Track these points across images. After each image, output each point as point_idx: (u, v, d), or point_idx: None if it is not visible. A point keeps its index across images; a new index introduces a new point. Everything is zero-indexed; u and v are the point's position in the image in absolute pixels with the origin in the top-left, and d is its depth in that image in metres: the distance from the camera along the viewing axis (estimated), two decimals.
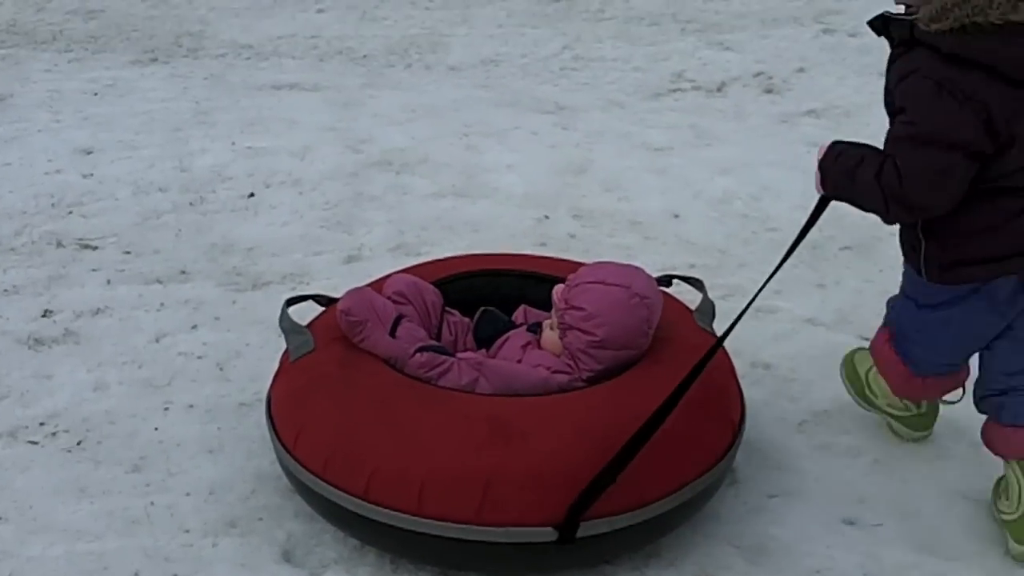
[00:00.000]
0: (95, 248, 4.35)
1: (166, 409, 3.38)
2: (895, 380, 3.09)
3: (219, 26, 7.25)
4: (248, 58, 6.67)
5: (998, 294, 2.78)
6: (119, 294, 4.01)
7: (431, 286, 3.20)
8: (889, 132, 2.81)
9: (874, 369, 3.20)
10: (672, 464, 2.73)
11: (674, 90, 6.15)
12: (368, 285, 3.20)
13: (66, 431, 3.29)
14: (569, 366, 2.96)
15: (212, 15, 7.48)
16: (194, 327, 3.82)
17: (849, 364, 3.34)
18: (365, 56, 6.72)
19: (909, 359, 3.02)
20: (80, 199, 4.73)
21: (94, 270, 4.18)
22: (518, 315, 3.31)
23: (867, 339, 3.69)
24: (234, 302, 3.98)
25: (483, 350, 3.16)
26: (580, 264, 3.22)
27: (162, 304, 3.95)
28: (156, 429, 3.29)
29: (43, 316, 3.87)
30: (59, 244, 4.36)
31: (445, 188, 4.85)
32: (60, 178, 4.91)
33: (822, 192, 2.92)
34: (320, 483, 2.75)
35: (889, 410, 3.25)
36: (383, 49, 6.81)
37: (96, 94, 5.95)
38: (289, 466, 2.84)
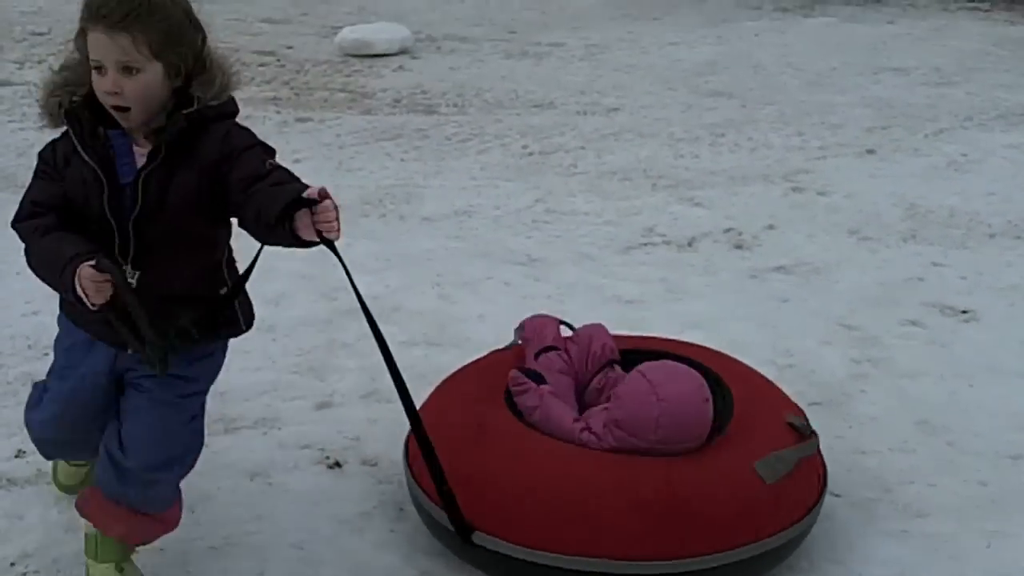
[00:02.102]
0: None
1: (136, 552, 3.36)
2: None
3: None
4: None
5: None
6: None
7: None
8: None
9: None
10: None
11: (645, 244, 6.23)
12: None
13: (36, 572, 3.27)
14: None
15: None
16: None
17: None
18: (340, 206, 6.76)
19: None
20: None
21: None
22: None
23: (838, 495, 3.72)
24: (206, 446, 3.97)
25: None
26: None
27: None
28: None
29: (16, 456, 3.87)
30: (34, 385, 4.34)
31: (417, 337, 4.89)
32: (36, 320, 4.93)
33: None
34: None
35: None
36: (358, 199, 6.88)
37: None
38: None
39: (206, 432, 4.03)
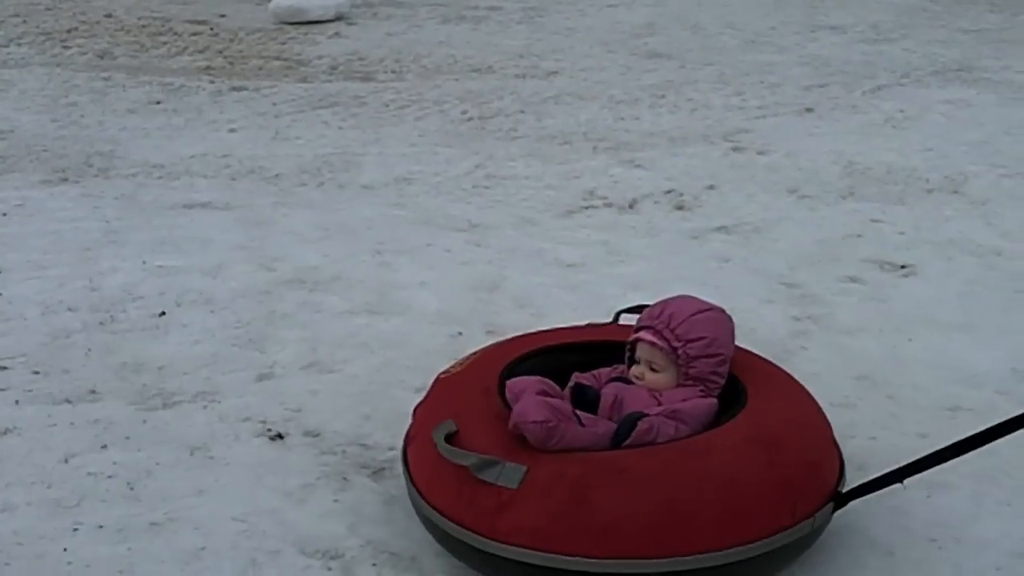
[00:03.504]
0: (3, 368, 4.28)
1: (75, 530, 3.32)
2: None
3: (130, 146, 7.24)
4: (159, 177, 6.65)
5: None
6: (27, 414, 3.95)
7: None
8: None
9: None
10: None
11: (586, 207, 6.21)
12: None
13: None
14: (702, 390, 3.28)
15: (123, 135, 7.47)
16: (104, 447, 3.77)
17: None
18: (277, 175, 6.72)
19: None
20: None
21: (2, 390, 4.11)
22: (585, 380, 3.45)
23: None
24: (145, 421, 3.93)
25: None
26: (593, 328, 3.78)
27: (71, 424, 3.90)
28: (65, 550, 3.23)
29: None
30: None
31: (358, 305, 4.85)
32: None
33: None
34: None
35: None
36: (295, 168, 6.83)
37: (5, 214, 5.91)
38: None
39: (144, 407, 4.02)
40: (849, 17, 10.88)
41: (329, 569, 3.20)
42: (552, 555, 2.88)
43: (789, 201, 6.28)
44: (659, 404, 3.23)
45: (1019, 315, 4.84)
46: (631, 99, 8.29)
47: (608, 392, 3.32)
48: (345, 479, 3.62)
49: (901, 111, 7.91)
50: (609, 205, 6.24)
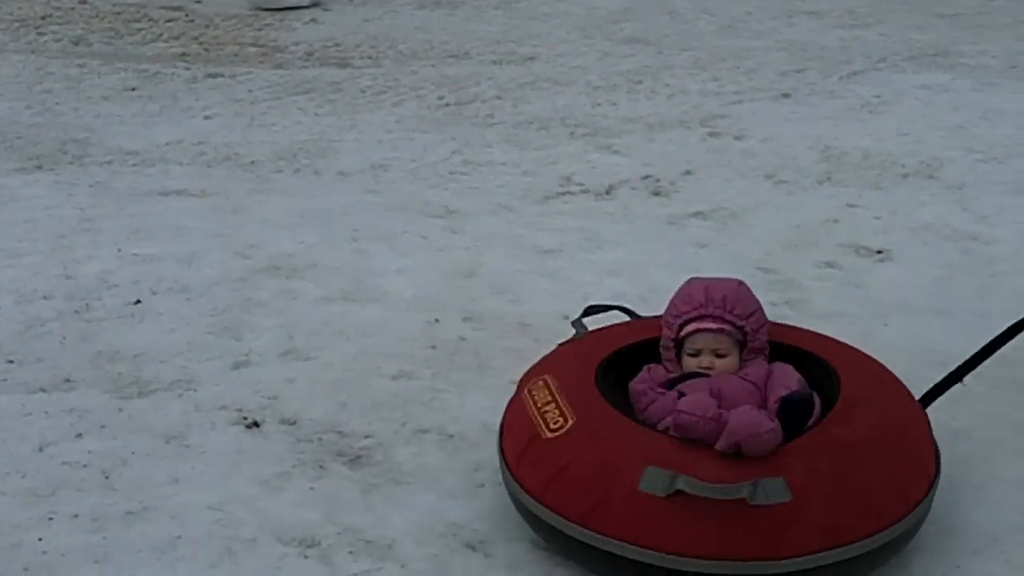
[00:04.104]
0: None
1: (50, 519, 3.31)
2: None
3: (105, 133, 7.20)
4: (134, 165, 6.62)
5: None
6: (2, 403, 3.93)
7: None
8: None
9: None
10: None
11: (563, 193, 6.20)
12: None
13: None
14: (764, 359, 3.42)
15: (98, 122, 7.44)
16: (79, 436, 3.75)
17: None
18: (253, 162, 6.70)
19: None
20: None
21: None
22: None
23: None
24: (120, 410, 3.92)
25: None
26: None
27: (46, 413, 3.88)
28: (40, 540, 3.22)
29: None
30: None
31: (334, 293, 4.84)
32: None
33: None
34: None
35: None
36: (271, 155, 6.80)
37: None
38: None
39: (119, 395, 4.00)
40: (825, 2, 10.88)
41: (306, 557, 3.19)
42: (843, 548, 2.89)
43: (766, 186, 6.29)
44: (753, 384, 3.27)
45: (994, 300, 4.85)
46: (608, 85, 8.28)
47: (700, 390, 3.18)
48: (321, 467, 3.61)
49: (877, 96, 7.92)
50: (586, 191, 6.24)
